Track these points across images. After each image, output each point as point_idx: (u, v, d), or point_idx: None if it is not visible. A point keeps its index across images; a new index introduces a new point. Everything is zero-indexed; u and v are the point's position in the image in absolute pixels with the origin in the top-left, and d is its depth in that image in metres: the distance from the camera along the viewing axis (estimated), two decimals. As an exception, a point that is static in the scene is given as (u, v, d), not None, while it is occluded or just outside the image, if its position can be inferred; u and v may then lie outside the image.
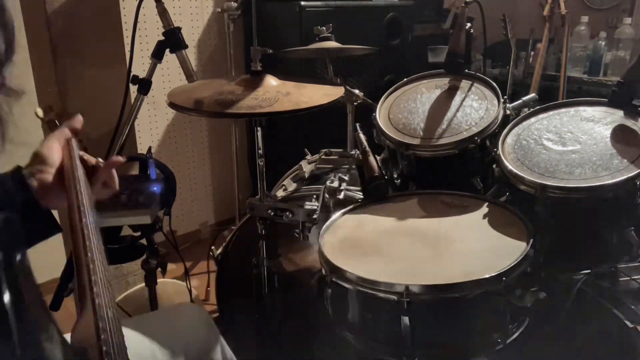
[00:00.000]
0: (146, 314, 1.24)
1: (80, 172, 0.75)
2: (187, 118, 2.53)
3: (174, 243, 1.63)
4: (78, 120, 0.87)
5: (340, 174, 1.55)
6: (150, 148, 1.47)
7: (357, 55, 1.84)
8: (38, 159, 0.78)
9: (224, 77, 1.49)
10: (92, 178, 0.84)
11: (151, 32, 2.17)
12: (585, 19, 2.68)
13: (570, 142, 1.29)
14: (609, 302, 1.15)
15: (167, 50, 1.53)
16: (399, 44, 2.68)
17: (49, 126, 1.01)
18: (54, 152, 0.79)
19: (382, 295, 1.01)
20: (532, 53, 2.85)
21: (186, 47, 1.51)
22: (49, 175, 0.77)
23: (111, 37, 1.86)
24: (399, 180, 1.52)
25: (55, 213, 0.83)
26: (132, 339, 0.95)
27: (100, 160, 0.86)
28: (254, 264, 1.50)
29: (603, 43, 2.62)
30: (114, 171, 0.86)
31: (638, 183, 1.13)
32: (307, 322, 1.59)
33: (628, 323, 1.10)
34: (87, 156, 0.85)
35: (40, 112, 1.00)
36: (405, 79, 1.66)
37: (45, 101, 1.68)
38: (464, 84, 1.57)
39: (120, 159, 0.86)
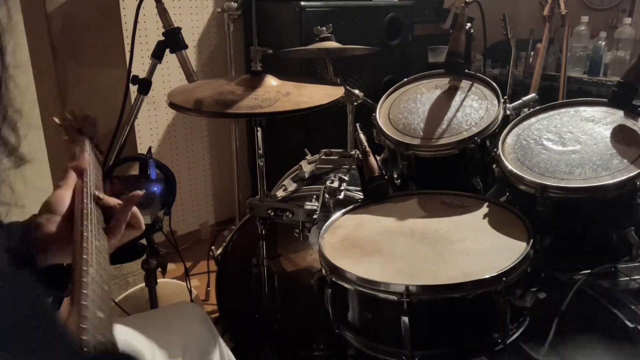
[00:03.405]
0: (145, 312, 1.24)
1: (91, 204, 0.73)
2: (187, 118, 2.53)
3: (174, 243, 1.63)
4: (84, 161, 0.82)
5: (340, 174, 1.55)
6: (150, 148, 1.46)
7: (357, 55, 1.84)
8: (46, 208, 0.74)
9: (224, 77, 1.49)
10: (111, 222, 0.77)
11: (151, 32, 2.17)
12: (585, 19, 2.68)
13: (570, 142, 1.29)
14: (609, 302, 1.15)
15: (167, 50, 1.53)
16: (399, 44, 2.68)
17: (66, 131, 1.01)
18: (63, 200, 0.75)
19: (382, 295, 1.01)
20: (532, 53, 2.85)
21: (186, 47, 1.51)
22: (54, 225, 0.73)
23: (111, 37, 1.86)
24: (399, 180, 1.52)
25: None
26: (131, 337, 0.95)
27: (118, 201, 0.79)
28: (254, 264, 1.50)
29: (603, 43, 2.62)
30: (136, 209, 0.79)
31: (638, 183, 1.13)
32: (307, 322, 1.59)
33: (628, 323, 1.10)
34: (104, 197, 0.78)
35: (57, 120, 1.00)
36: (405, 79, 1.66)
37: (45, 99, 1.68)
38: (464, 84, 1.57)
39: (140, 193, 0.78)
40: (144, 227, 0.81)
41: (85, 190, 0.75)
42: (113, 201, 0.78)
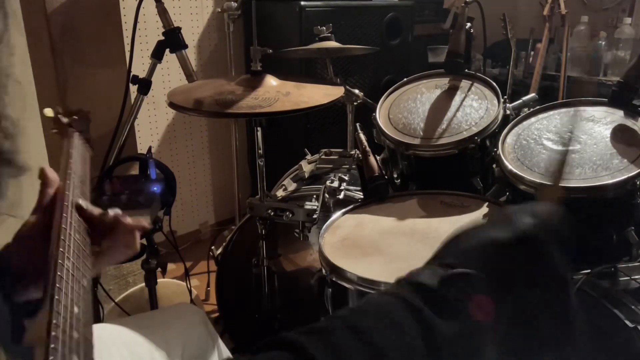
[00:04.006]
0: (144, 313, 1.24)
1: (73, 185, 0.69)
2: (187, 118, 2.53)
3: (174, 243, 1.63)
4: (54, 180, 0.73)
5: (340, 174, 1.55)
6: (150, 148, 1.47)
7: (357, 55, 1.84)
8: (19, 236, 0.67)
9: (224, 77, 1.49)
10: (108, 237, 0.71)
11: (151, 32, 2.17)
12: (585, 19, 2.68)
13: (570, 142, 1.29)
14: (609, 302, 1.15)
15: (167, 50, 1.53)
16: (399, 44, 2.68)
17: (56, 124, 1.02)
18: (37, 228, 0.67)
19: (382, 295, 1.00)
20: (532, 53, 2.85)
21: (186, 47, 1.51)
22: (27, 255, 0.65)
23: (111, 37, 1.86)
24: (399, 180, 1.52)
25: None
26: (130, 338, 0.95)
27: (104, 212, 0.72)
28: (254, 264, 1.50)
29: (603, 43, 2.62)
30: (137, 233, 0.73)
31: (638, 183, 1.13)
32: (307, 322, 1.59)
33: (628, 323, 1.10)
34: (88, 206, 0.70)
35: (49, 112, 1.03)
36: (405, 79, 1.66)
37: (45, 99, 1.68)
38: (464, 83, 1.57)
39: (147, 225, 0.74)
40: (139, 248, 0.74)
41: (65, 203, 0.66)
42: (97, 211, 0.71)
